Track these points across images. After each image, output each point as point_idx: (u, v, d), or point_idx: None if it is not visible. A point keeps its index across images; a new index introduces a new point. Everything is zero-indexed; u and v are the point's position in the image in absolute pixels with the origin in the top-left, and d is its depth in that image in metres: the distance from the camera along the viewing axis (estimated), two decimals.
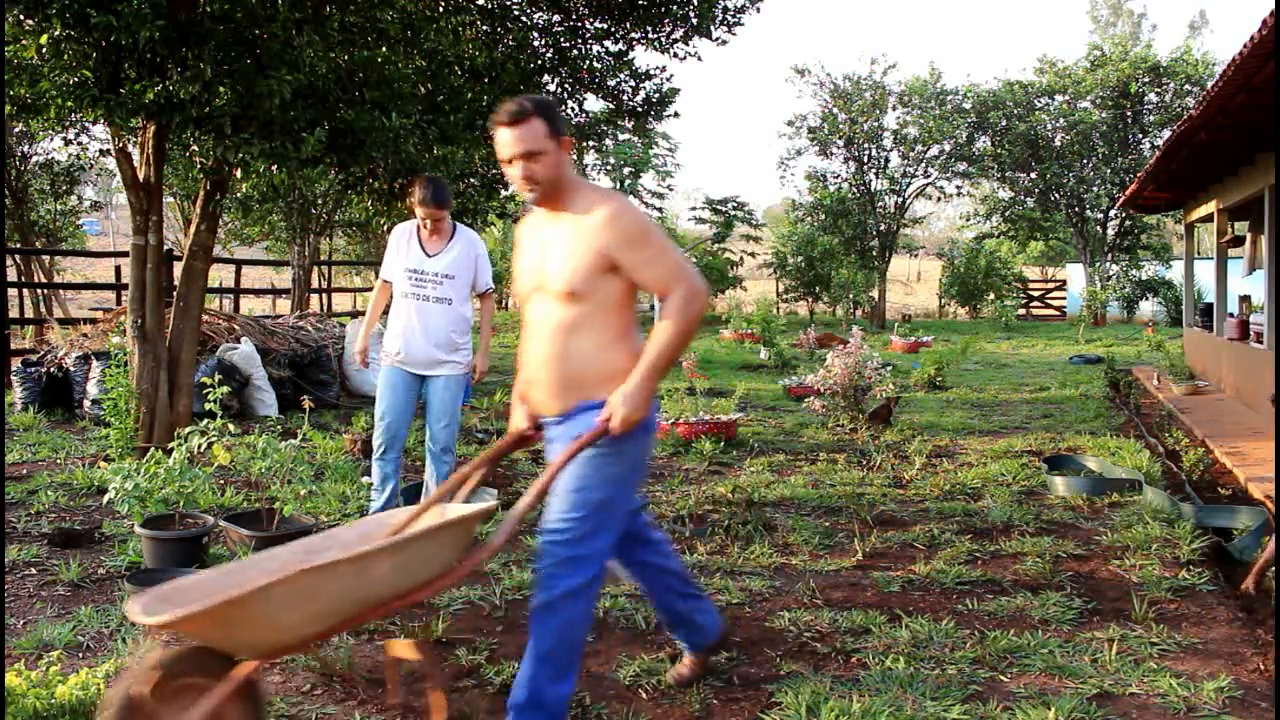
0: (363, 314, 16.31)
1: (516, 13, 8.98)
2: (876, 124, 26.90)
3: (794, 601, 4.19)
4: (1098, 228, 26.60)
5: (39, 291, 17.13)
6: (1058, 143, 26.37)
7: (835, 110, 26.97)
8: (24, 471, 6.77)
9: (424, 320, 4.89)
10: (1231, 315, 11.09)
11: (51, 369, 9.27)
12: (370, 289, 21.15)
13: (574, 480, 2.81)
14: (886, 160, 27.58)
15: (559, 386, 2.87)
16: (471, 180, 9.88)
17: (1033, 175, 26.75)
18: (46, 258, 18.88)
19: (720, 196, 33.21)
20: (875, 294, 27.09)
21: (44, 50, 6.03)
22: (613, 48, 9.36)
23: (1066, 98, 26.20)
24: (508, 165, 2.85)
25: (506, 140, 2.82)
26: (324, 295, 18.81)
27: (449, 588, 2.95)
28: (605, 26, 9.11)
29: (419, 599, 2.74)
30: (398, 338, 4.92)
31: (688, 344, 2.83)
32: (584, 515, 2.80)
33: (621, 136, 26.00)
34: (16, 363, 9.71)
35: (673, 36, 9.12)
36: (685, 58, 9.43)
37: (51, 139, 14.94)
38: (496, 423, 8.62)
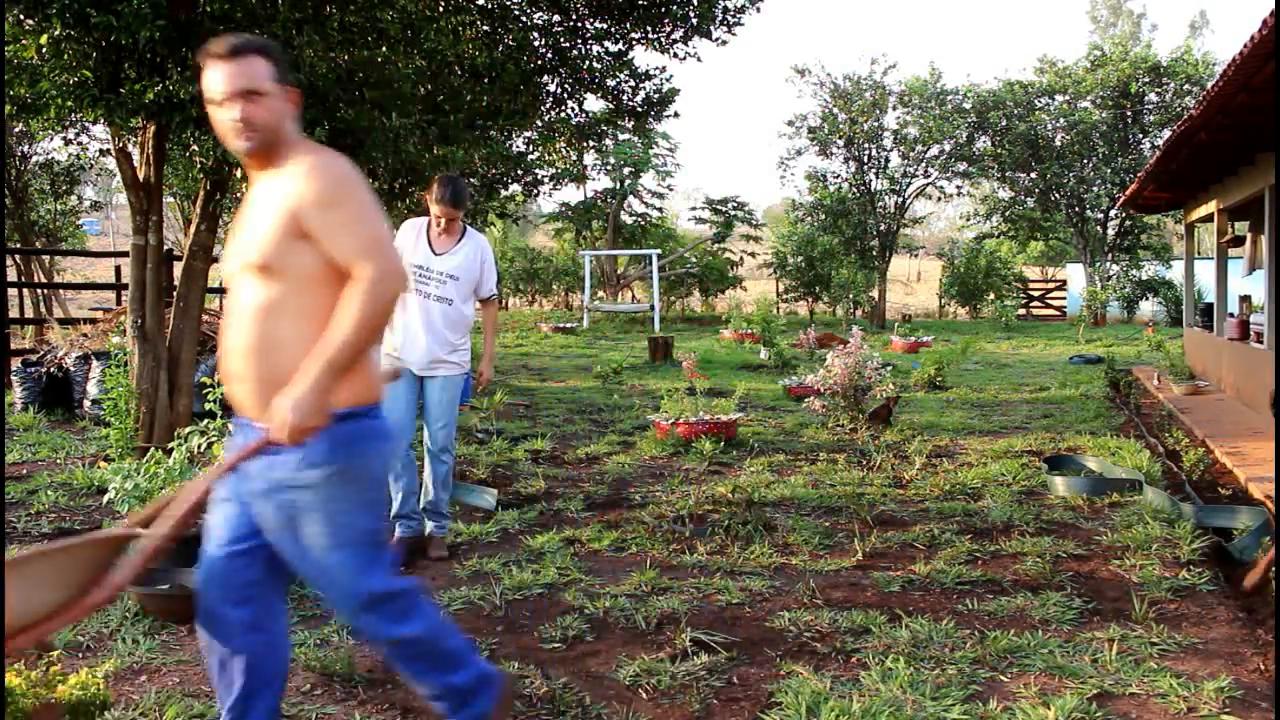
0: None
1: (516, 13, 8.98)
2: (876, 124, 26.90)
3: (794, 601, 4.19)
4: (1098, 228, 26.61)
5: (39, 291, 17.13)
6: (1058, 143, 26.37)
7: (835, 110, 26.97)
8: (24, 471, 6.77)
9: (423, 317, 4.85)
10: (1231, 315, 11.09)
11: (51, 369, 9.27)
12: None
13: (331, 524, 2.43)
14: (886, 160, 27.59)
15: (259, 384, 2.41)
16: (471, 180, 9.89)
17: (1033, 175, 26.75)
18: (46, 258, 18.88)
19: (720, 196, 33.29)
20: (875, 294, 27.09)
21: (44, 50, 6.03)
22: (613, 48, 9.36)
23: (1066, 98, 26.20)
24: (219, 107, 2.43)
25: (223, 76, 2.41)
26: None
27: (64, 628, 2.48)
28: (605, 26, 9.11)
29: (22, 645, 2.27)
30: (397, 335, 4.89)
31: (375, 336, 2.36)
32: (357, 553, 2.47)
33: (621, 136, 26.00)
34: (16, 363, 9.71)
35: (673, 36, 9.12)
36: (685, 58, 9.44)
37: (51, 139, 14.94)
38: (496, 422, 8.62)
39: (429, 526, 5.00)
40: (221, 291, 18.40)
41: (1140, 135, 25.97)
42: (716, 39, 9.28)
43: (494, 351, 5.30)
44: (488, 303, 5.16)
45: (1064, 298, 29.83)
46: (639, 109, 9.94)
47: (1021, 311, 28.30)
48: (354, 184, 2.40)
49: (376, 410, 2.53)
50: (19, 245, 16.25)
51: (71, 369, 9.20)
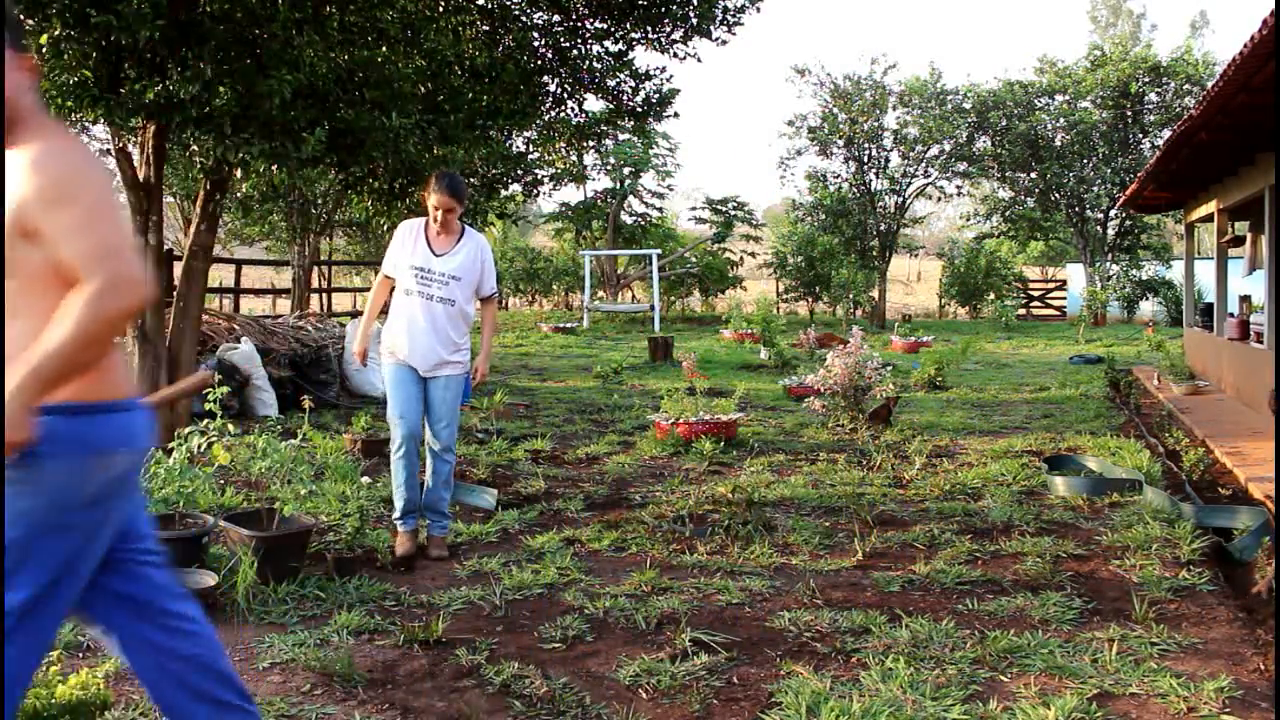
0: (363, 314, 16.24)
1: (516, 13, 8.98)
2: (876, 124, 26.91)
3: (794, 601, 4.19)
4: (1098, 228, 26.62)
5: None
6: (1058, 143, 26.39)
7: (835, 110, 26.98)
8: None
9: (427, 319, 4.83)
10: (1232, 315, 11.09)
11: None
12: (370, 289, 21.15)
13: None
14: (886, 160, 27.61)
15: None
16: (471, 180, 9.88)
17: (1033, 175, 26.77)
18: None
19: (720, 196, 33.31)
20: (875, 294, 27.10)
21: (44, 50, 6.03)
22: (613, 48, 9.36)
23: (1066, 98, 26.22)
24: None
25: None
26: (324, 295, 18.83)
27: None
28: (605, 26, 9.11)
29: None
30: (401, 336, 4.85)
31: (95, 351, 2.04)
32: None
33: (621, 136, 26.00)
34: None
35: (673, 36, 9.12)
36: (685, 58, 9.44)
37: None
38: (496, 422, 8.62)
39: (429, 526, 5.00)
40: (221, 291, 18.42)
41: (1140, 135, 25.99)
42: (716, 39, 9.28)
43: (491, 349, 5.29)
44: (487, 301, 5.14)
45: (1064, 298, 29.84)
46: (639, 109, 9.93)
47: (1021, 311, 28.31)
48: (86, 179, 2.07)
49: (96, 410, 2.17)
50: None
51: None
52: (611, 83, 9.64)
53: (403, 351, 4.86)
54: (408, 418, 4.87)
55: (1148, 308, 26.98)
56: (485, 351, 5.16)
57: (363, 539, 4.96)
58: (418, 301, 4.83)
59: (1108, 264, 26.40)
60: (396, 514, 4.93)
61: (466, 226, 5.04)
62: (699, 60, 9.65)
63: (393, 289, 5.04)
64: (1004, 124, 26.12)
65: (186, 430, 4.67)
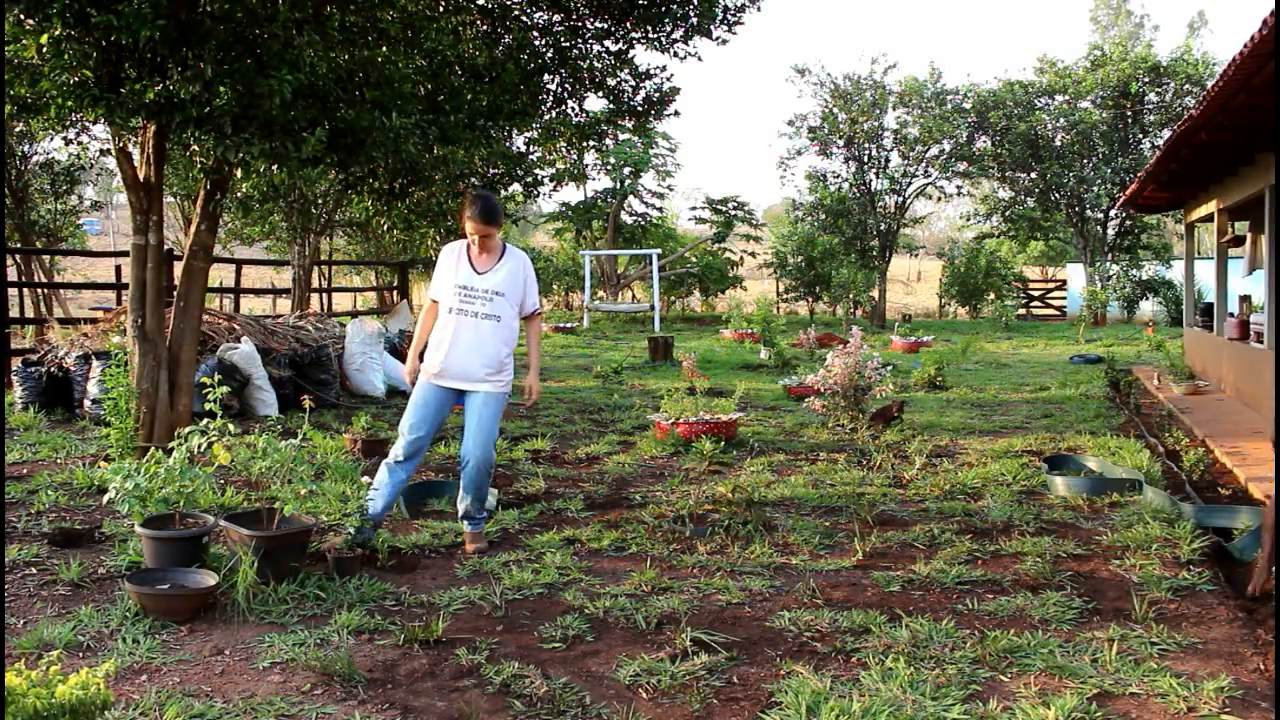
0: (364, 314, 16.26)
1: (516, 13, 8.98)
2: (876, 124, 26.91)
3: (794, 601, 4.19)
4: (1098, 227, 26.62)
5: (39, 291, 17.12)
6: (1058, 143, 26.39)
7: (835, 110, 26.98)
8: (24, 471, 6.77)
9: (470, 336, 4.89)
10: (1232, 315, 11.09)
11: (52, 369, 9.26)
12: (370, 288, 21.20)
13: None
14: (887, 160, 27.61)
15: None
16: (472, 180, 9.87)
17: (1033, 175, 26.77)
18: (46, 258, 18.87)
19: (720, 196, 33.27)
20: (875, 294, 27.09)
21: (44, 50, 6.03)
22: (613, 47, 9.35)
23: (1066, 98, 26.21)
24: None
25: None
26: (324, 295, 18.82)
27: None
28: (605, 26, 9.10)
29: None
30: (438, 352, 4.92)
31: None
32: None
33: (621, 136, 25.98)
34: (17, 362, 9.70)
35: (673, 36, 9.11)
36: (685, 57, 9.43)
37: (51, 139, 14.94)
38: None
39: (466, 527, 5.08)
40: (221, 291, 18.39)
41: (1140, 135, 25.99)
42: (717, 38, 9.27)
43: (539, 366, 5.33)
44: (531, 318, 5.20)
45: (1064, 297, 29.85)
46: (639, 108, 9.92)
47: (1021, 311, 28.32)
48: None
49: None
50: (19, 245, 16.23)
51: (72, 369, 9.20)
52: (612, 82, 9.63)
53: (435, 366, 4.92)
54: (418, 435, 4.95)
55: (1148, 308, 26.98)
56: (534, 368, 5.21)
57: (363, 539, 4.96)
58: (460, 319, 4.90)
59: (1108, 264, 26.40)
60: (364, 516, 4.81)
61: (507, 244, 5.11)
62: (699, 59, 9.65)
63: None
64: (1004, 124, 26.11)
65: (187, 430, 4.67)
